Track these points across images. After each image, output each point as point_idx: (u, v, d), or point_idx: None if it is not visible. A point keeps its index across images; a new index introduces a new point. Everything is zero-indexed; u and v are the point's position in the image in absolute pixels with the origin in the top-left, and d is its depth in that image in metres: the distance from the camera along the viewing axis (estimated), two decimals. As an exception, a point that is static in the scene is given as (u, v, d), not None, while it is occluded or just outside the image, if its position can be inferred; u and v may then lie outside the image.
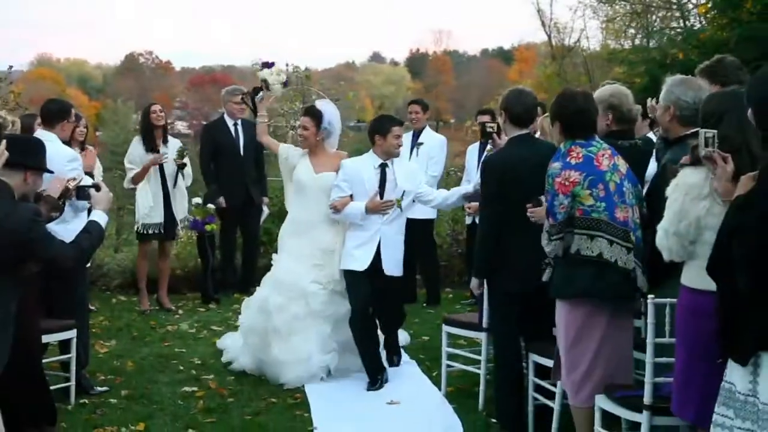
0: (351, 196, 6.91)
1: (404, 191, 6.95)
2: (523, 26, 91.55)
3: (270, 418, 6.14)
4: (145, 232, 9.42)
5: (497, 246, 5.68)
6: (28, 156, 4.91)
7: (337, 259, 7.00)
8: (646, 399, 4.55)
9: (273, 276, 7.21)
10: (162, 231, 9.42)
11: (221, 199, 9.90)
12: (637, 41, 25.57)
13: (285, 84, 7.80)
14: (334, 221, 7.07)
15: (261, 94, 7.57)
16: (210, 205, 9.71)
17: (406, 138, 10.00)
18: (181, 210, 9.56)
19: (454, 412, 6.25)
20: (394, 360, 7.31)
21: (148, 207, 9.32)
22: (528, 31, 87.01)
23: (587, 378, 4.99)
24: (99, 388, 6.66)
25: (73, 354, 6.33)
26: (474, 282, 6.07)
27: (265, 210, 10.22)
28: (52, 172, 5.26)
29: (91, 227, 5.06)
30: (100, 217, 5.16)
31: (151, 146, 9.37)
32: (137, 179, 9.35)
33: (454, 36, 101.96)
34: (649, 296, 4.57)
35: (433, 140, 10.02)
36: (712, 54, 11.38)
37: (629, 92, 5.67)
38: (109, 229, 9.76)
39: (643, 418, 4.58)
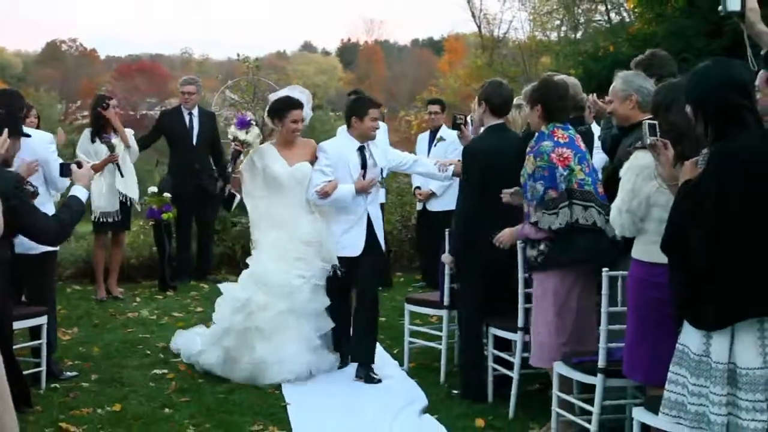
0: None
1: (381, 169, 7.07)
2: (454, 17, 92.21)
3: (243, 395, 6.39)
4: (102, 221, 9.53)
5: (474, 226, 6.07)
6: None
7: (318, 250, 6.88)
8: (600, 363, 4.94)
9: (254, 275, 6.91)
10: (118, 219, 9.57)
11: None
12: (563, 33, 26.24)
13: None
14: (311, 211, 6.97)
15: (241, 156, 7.28)
16: (166, 194, 9.92)
17: (423, 137, 10.66)
18: (133, 192, 9.68)
19: (417, 385, 6.59)
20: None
21: (101, 196, 9.44)
22: (458, 21, 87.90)
23: (575, 340, 5.35)
24: (68, 373, 6.82)
25: (44, 340, 6.48)
26: (448, 257, 6.45)
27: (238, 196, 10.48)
28: (29, 135, 5.50)
29: (72, 202, 5.31)
30: (81, 192, 5.47)
31: (101, 138, 9.46)
32: (97, 170, 9.15)
33: (386, 26, 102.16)
34: (603, 269, 4.96)
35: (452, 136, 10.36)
36: (642, 47, 11.96)
37: (579, 83, 6.15)
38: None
39: (597, 380, 4.97)
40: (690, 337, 3.92)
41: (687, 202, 3.93)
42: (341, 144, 7.06)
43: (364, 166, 6.91)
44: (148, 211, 10.00)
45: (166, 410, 6.09)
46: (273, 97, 7.27)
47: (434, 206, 10.14)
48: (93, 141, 9.50)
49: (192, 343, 7.21)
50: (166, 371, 6.99)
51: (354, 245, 6.85)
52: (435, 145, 10.23)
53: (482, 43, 35.27)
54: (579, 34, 23.13)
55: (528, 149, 5.51)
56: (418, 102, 24.25)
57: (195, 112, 10.53)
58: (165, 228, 10.09)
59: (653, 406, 4.39)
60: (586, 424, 5.10)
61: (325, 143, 7.10)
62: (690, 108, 3.98)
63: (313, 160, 6.99)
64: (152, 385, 6.65)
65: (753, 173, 3.74)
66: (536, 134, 5.54)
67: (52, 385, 6.54)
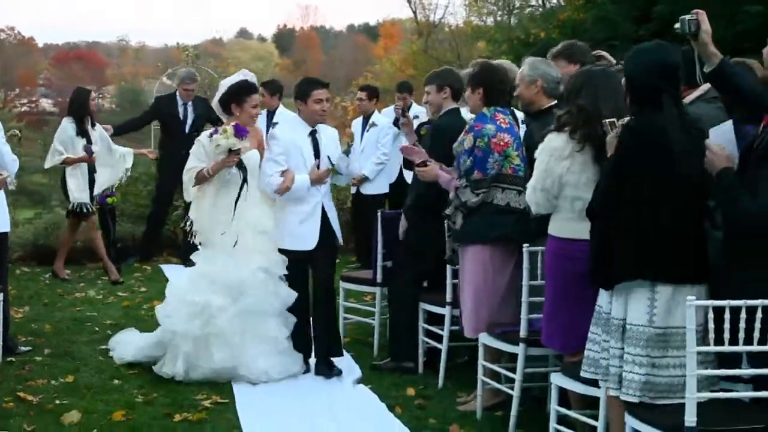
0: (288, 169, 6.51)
1: (328, 156, 6.63)
2: (389, 2, 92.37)
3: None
4: (80, 210, 9.77)
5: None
6: None
7: (273, 240, 6.61)
8: (522, 333, 5.36)
9: (207, 275, 6.52)
10: (91, 210, 9.83)
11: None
12: (498, 18, 26.74)
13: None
14: (262, 201, 6.63)
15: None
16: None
17: (357, 123, 10.76)
18: (107, 181, 9.98)
19: (352, 359, 6.99)
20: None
21: (78, 190, 9.72)
22: (393, 7, 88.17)
23: (498, 312, 5.76)
24: (23, 348, 7.14)
25: (0, 316, 6.75)
26: (405, 225, 6.75)
27: None
28: None
29: None
30: None
31: (81, 131, 9.77)
32: (69, 163, 9.72)
33: (321, 12, 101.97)
34: (524, 245, 5.38)
35: (383, 122, 10.63)
36: (571, 33, 12.52)
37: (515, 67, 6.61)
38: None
39: (519, 349, 5.39)
40: (602, 298, 4.37)
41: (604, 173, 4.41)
42: (292, 130, 6.68)
43: (317, 154, 6.61)
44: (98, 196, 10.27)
45: (116, 381, 6.42)
46: (226, 83, 6.85)
47: (367, 190, 10.51)
48: (78, 135, 9.76)
49: (125, 345, 6.94)
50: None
51: (308, 238, 6.53)
52: (368, 131, 10.54)
53: (418, 28, 35.65)
54: (513, 20, 23.62)
55: (468, 127, 5.89)
56: (354, 88, 24.39)
57: (189, 103, 10.91)
58: (109, 212, 10.34)
59: (569, 372, 4.88)
60: (510, 391, 5.49)
61: (275, 130, 6.79)
62: (624, 83, 4.39)
63: (259, 148, 6.67)
64: (101, 359, 6.97)
65: (655, 150, 4.13)
66: (477, 115, 5.92)
67: (8, 359, 6.83)
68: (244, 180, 6.54)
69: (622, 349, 4.19)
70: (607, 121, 4.56)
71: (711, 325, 3.82)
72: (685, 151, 4.13)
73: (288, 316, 6.56)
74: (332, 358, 6.65)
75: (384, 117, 10.65)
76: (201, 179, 6.61)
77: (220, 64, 25.96)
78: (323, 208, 6.60)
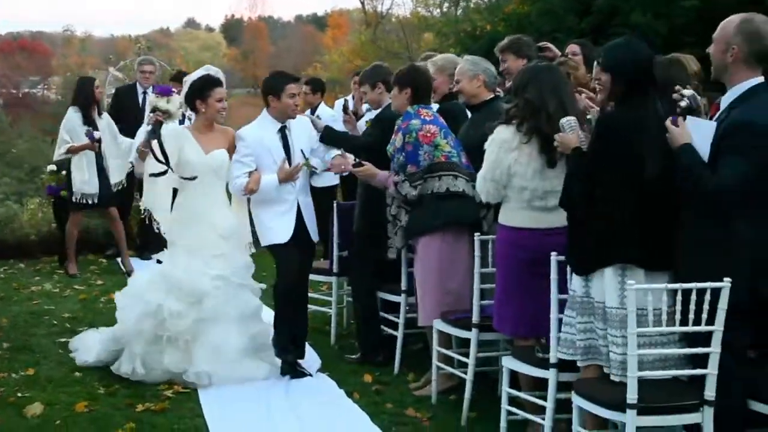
0: (256, 169, 6.36)
1: (301, 150, 6.46)
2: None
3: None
4: (81, 201, 9.68)
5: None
6: None
7: (240, 243, 6.60)
8: (474, 319, 5.55)
9: (166, 277, 6.40)
10: (96, 201, 9.71)
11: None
12: (445, 9, 26.94)
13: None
14: (228, 203, 6.62)
15: (163, 127, 6.58)
16: (64, 172, 10.20)
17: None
18: (117, 174, 9.86)
19: (311, 347, 7.03)
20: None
21: (82, 181, 9.64)
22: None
23: (452, 299, 5.92)
24: None
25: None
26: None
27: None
28: None
29: None
30: None
31: (87, 120, 9.69)
32: (74, 152, 9.64)
33: (269, 2, 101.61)
34: (476, 234, 5.59)
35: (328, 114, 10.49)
36: (517, 26, 12.74)
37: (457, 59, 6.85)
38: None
39: (472, 334, 5.59)
40: (575, 283, 4.58)
41: (573, 162, 4.63)
42: (259, 128, 6.46)
43: (287, 150, 6.42)
44: (48, 188, 10.34)
45: (77, 374, 6.48)
46: (189, 79, 6.63)
47: (317, 182, 10.61)
48: (84, 123, 9.67)
49: (86, 345, 6.81)
50: (71, 339, 7.19)
51: (282, 231, 6.36)
52: None
53: (366, 19, 35.71)
54: (460, 11, 23.83)
55: (397, 127, 6.07)
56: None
57: (149, 90, 10.58)
58: (64, 205, 10.24)
59: (519, 355, 5.10)
60: (464, 375, 5.69)
61: (242, 130, 6.50)
62: (606, 76, 4.53)
63: (230, 149, 6.47)
64: (61, 352, 7.01)
65: (629, 141, 4.34)
66: (404, 114, 6.10)
67: (-35, 354, 6.88)
68: (157, 140, 6.39)
69: (604, 330, 4.42)
70: (563, 120, 4.78)
71: (665, 308, 4.10)
72: (658, 145, 4.34)
73: (250, 322, 6.44)
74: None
75: (329, 110, 10.80)
76: (142, 155, 6.58)
77: (167, 55, 25.80)
78: (299, 207, 6.44)
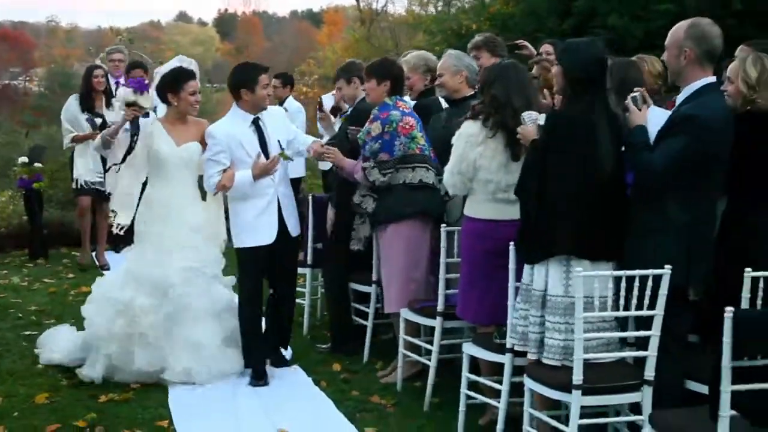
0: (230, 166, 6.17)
1: (278, 141, 6.27)
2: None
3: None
4: (84, 186, 9.59)
5: None
6: None
7: (211, 237, 6.49)
8: (439, 307, 5.73)
9: (134, 273, 6.29)
10: (99, 189, 9.39)
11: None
12: (440, 7, 27.07)
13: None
14: (199, 197, 6.49)
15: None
16: (37, 164, 10.34)
17: None
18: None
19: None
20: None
21: (85, 169, 9.58)
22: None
23: (419, 288, 6.12)
24: None
25: None
26: (332, 212, 6.90)
27: None
28: None
29: None
30: None
31: (88, 108, 9.62)
32: (78, 141, 9.58)
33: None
34: (442, 225, 5.77)
35: (294, 107, 10.72)
36: (501, 26, 12.91)
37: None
38: None
39: (436, 322, 5.78)
40: (525, 271, 4.78)
41: (529, 155, 4.81)
42: (230, 123, 6.25)
43: (263, 144, 6.23)
44: (19, 180, 10.36)
45: (39, 366, 6.50)
46: (161, 71, 6.60)
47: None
48: (82, 111, 9.63)
49: (52, 345, 6.63)
50: (37, 332, 7.20)
51: (266, 231, 6.18)
52: None
53: (361, 16, 35.77)
54: (453, 10, 23.97)
55: (373, 116, 6.20)
56: (297, 74, 24.56)
57: (122, 81, 9.99)
58: (36, 197, 10.37)
59: (479, 341, 5.29)
60: (428, 362, 5.86)
61: (212, 127, 6.30)
62: (559, 73, 4.75)
63: (203, 141, 6.32)
64: (25, 345, 7.02)
65: (576, 137, 4.54)
66: (381, 104, 6.24)
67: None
68: (133, 139, 6.37)
69: (542, 317, 4.62)
70: (525, 113, 4.96)
71: (610, 294, 4.34)
72: (606, 139, 4.53)
73: (226, 316, 6.36)
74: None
75: (296, 103, 10.95)
76: (106, 143, 6.57)
77: (157, 49, 25.76)
78: (279, 202, 6.27)
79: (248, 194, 6.14)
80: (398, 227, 6.14)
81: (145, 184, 6.62)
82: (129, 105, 6.46)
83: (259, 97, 6.19)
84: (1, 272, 9.79)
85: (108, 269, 9.43)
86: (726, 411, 3.57)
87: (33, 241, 10.46)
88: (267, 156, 6.18)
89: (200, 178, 6.49)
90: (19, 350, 6.96)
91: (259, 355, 6.29)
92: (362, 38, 32.04)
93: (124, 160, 6.45)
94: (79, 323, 6.83)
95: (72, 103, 9.71)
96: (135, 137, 6.44)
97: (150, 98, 6.53)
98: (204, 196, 6.55)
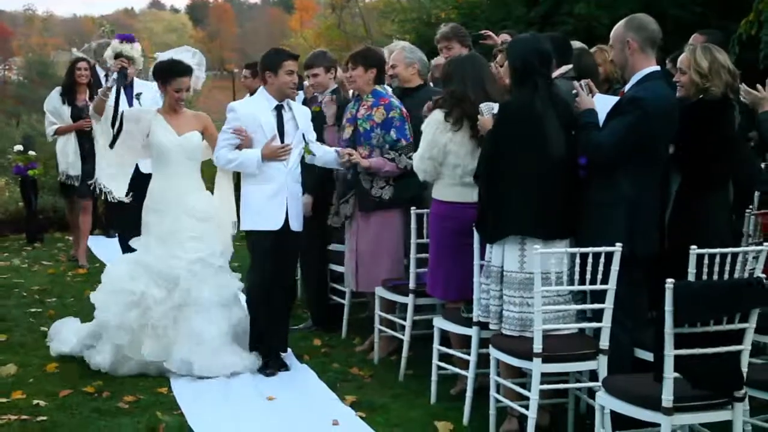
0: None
1: (303, 134, 6.27)
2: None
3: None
4: (66, 182, 9.54)
5: None
6: None
7: (216, 228, 6.41)
8: (411, 285, 6.11)
9: (143, 264, 6.24)
10: (77, 184, 9.46)
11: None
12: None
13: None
14: (202, 187, 6.46)
15: (128, 72, 6.78)
16: (31, 152, 10.67)
17: None
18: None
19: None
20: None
21: (65, 162, 9.49)
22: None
23: (393, 268, 6.50)
24: None
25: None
26: (308, 199, 6.87)
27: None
28: None
29: None
30: None
31: (69, 100, 9.54)
32: (61, 132, 9.50)
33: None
34: (412, 208, 6.12)
35: None
36: (468, 14, 13.21)
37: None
38: None
39: (409, 300, 6.15)
40: (486, 249, 5.16)
41: (484, 144, 5.19)
42: (254, 103, 6.29)
43: (280, 129, 6.20)
44: (15, 168, 10.82)
45: (47, 340, 6.89)
46: (160, 57, 6.65)
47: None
48: (63, 102, 9.54)
49: (62, 336, 6.60)
50: (41, 309, 7.88)
51: (274, 217, 6.14)
52: None
53: (331, 2, 35.83)
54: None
55: (371, 103, 6.49)
56: None
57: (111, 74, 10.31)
58: (31, 184, 10.80)
59: (448, 316, 5.68)
60: (402, 336, 6.26)
61: (235, 103, 6.37)
62: (507, 64, 5.21)
63: (204, 133, 6.45)
64: (32, 321, 7.55)
65: (523, 124, 4.92)
66: (374, 91, 6.55)
67: (-60, 322, 7.40)
68: (120, 83, 6.60)
69: (501, 291, 5.01)
70: (482, 105, 5.34)
71: (566, 270, 4.74)
72: (553, 125, 4.92)
73: (231, 308, 6.30)
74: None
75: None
76: (99, 104, 6.70)
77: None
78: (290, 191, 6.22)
79: (261, 174, 6.09)
80: (391, 211, 6.51)
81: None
82: (117, 56, 6.57)
83: (281, 82, 6.15)
84: (2, 255, 10.31)
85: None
86: (669, 373, 3.96)
87: (30, 225, 10.87)
88: (282, 142, 6.15)
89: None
90: (27, 325, 7.43)
91: (270, 341, 6.28)
92: (334, 25, 32.10)
93: (112, 145, 6.55)
94: (78, 302, 7.47)
95: (54, 96, 9.65)
96: (123, 91, 6.62)
97: (138, 50, 6.61)
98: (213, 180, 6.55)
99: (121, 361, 6.15)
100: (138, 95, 6.58)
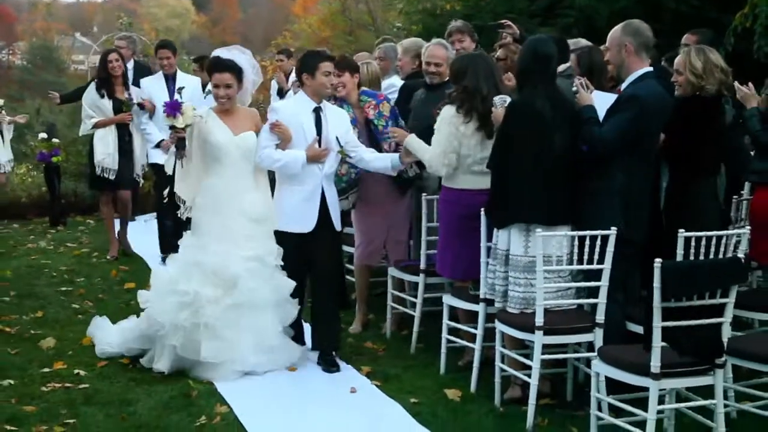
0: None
1: (337, 137, 6.29)
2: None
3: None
4: (101, 175, 9.38)
5: None
6: None
7: (270, 228, 6.23)
8: (422, 265, 6.61)
9: (197, 264, 6.08)
10: (113, 177, 9.37)
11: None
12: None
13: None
14: (257, 186, 6.29)
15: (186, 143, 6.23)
16: (55, 140, 11.16)
17: (275, 84, 10.70)
18: (140, 158, 9.59)
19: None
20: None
21: (103, 153, 9.31)
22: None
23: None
24: None
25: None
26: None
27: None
28: None
29: None
30: None
31: (110, 94, 9.39)
32: (100, 126, 9.36)
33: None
34: (423, 194, 6.60)
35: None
36: (474, 6, 13.55)
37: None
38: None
39: (420, 279, 6.64)
40: (494, 233, 5.63)
41: (496, 138, 5.66)
42: (295, 104, 6.35)
43: (319, 131, 6.26)
44: (39, 155, 11.32)
45: (80, 316, 7.46)
46: (215, 52, 6.47)
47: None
48: (102, 96, 9.40)
49: (109, 334, 6.53)
50: (71, 288, 8.37)
51: (306, 220, 6.19)
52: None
53: (336, -13, 35.94)
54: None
55: (376, 101, 6.95)
56: (272, 48, 24.36)
57: (130, 65, 10.23)
58: (54, 170, 11.30)
59: (457, 294, 6.15)
60: (413, 312, 6.73)
61: (278, 103, 6.50)
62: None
63: (256, 131, 6.31)
64: (63, 299, 8.03)
65: (526, 122, 5.41)
66: (363, 91, 7.01)
67: (-21, 300, 7.91)
68: (178, 157, 6.23)
69: (506, 272, 5.48)
70: (496, 98, 5.80)
71: (566, 251, 5.22)
72: (554, 121, 5.39)
73: (286, 307, 6.22)
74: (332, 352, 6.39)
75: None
76: (165, 147, 6.62)
77: (136, 20, 26.04)
78: (323, 192, 6.25)
79: (295, 176, 6.15)
80: (408, 193, 7.07)
81: None
82: (172, 128, 6.24)
83: (318, 83, 6.21)
84: (28, 237, 10.83)
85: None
86: (657, 343, 4.44)
87: (53, 209, 11.34)
88: (319, 145, 6.22)
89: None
90: (58, 303, 7.91)
91: (321, 341, 6.35)
92: (337, 11, 32.21)
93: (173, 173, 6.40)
94: (104, 281, 8.12)
95: (91, 90, 9.48)
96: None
97: (188, 111, 6.17)
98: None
99: (179, 363, 6.06)
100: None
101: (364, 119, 6.94)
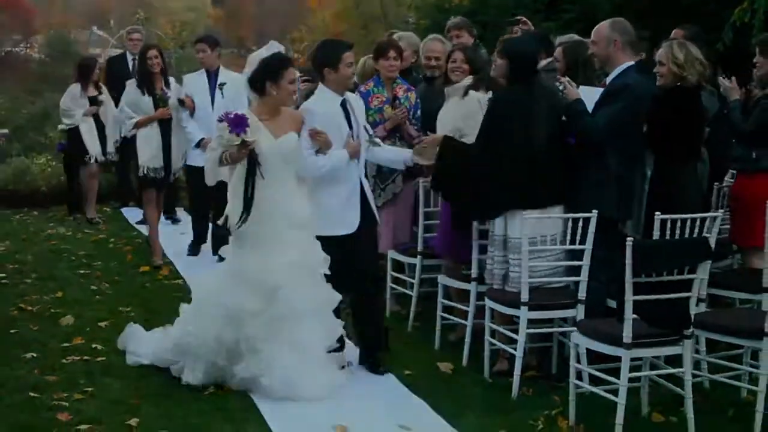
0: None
1: (365, 126, 6.14)
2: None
3: (161, 283, 8.35)
4: (146, 174, 8.99)
5: None
6: None
7: (313, 231, 5.80)
8: (419, 248, 6.98)
9: (242, 275, 5.68)
10: (162, 175, 9.03)
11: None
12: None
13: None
14: (300, 189, 5.85)
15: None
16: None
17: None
18: (177, 157, 9.16)
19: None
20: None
21: (150, 155, 8.97)
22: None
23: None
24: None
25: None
26: None
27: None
28: None
29: None
30: None
31: (150, 90, 9.07)
32: (141, 124, 9.02)
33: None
34: (422, 181, 6.90)
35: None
36: (480, 1, 13.82)
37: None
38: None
39: (417, 261, 7.02)
40: (491, 225, 5.98)
41: (479, 132, 5.99)
42: (325, 103, 5.92)
43: (350, 124, 5.99)
44: (58, 145, 11.74)
45: (98, 297, 7.86)
46: (256, 57, 5.90)
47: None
48: (143, 94, 9.07)
49: (141, 344, 6.27)
50: (89, 271, 8.78)
51: (350, 220, 5.92)
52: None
53: (350, -19, 36.20)
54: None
55: (406, 87, 7.35)
56: (288, 41, 25.15)
57: (138, 56, 9.78)
58: (75, 160, 11.57)
59: (450, 274, 6.54)
60: (410, 292, 7.14)
61: (309, 103, 6.01)
62: (500, 61, 6.06)
63: (299, 132, 5.85)
64: (82, 281, 8.43)
65: (514, 114, 5.76)
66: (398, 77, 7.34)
67: (3, 281, 8.32)
68: (251, 174, 5.68)
69: (504, 256, 5.84)
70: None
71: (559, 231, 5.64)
72: (537, 113, 5.76)
73: (331, 322, 5.88)
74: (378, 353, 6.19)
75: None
76: (221, 161, 5.74)
77: (152, 14, 26.31)
78: (362, 187, 6.03)
79: (333, 177, 5.86)
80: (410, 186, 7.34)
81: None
82: (240, 145, 5.63)
83: (342, 76, 5.90)
84: (47, 224, 11.23)
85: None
86: (629, 315, 4.80)
87: (71, 198, 11.68)
88: (353, 138, 5.99)
89: None
90: (78, 284, 8.32)
91: (366, 342, 6.22)
92: (352, 6, 32.43)
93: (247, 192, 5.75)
94: (121, 265, 8.64)
95: (130, 89, 9.16)
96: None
97: (254, 125, 5.65)
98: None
99: (217, 375, 5.78)
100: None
101: (393, 96, 7.30)
